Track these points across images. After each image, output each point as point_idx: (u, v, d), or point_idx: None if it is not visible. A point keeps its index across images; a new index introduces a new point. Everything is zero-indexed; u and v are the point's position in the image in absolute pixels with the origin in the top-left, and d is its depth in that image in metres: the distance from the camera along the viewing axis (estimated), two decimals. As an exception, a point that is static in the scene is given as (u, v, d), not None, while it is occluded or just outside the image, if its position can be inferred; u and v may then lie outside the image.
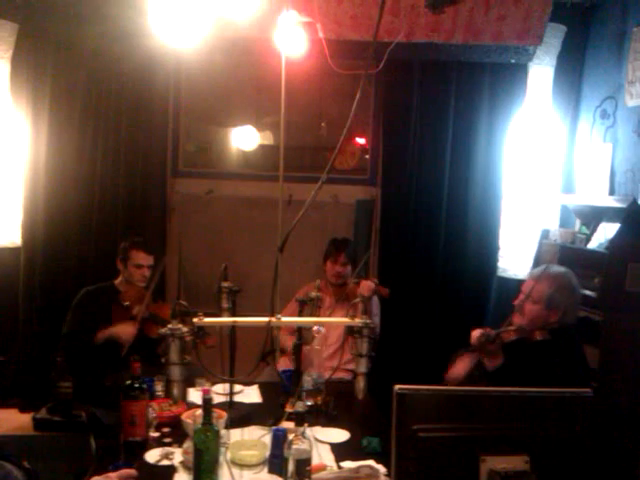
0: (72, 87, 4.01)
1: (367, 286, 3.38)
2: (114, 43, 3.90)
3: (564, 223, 4.06)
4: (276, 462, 2.02)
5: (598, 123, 3.82)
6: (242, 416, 2.51)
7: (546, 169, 4.06)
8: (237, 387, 2.77)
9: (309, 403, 2.58)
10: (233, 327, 2.54)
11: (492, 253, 4.18)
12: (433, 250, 4.18)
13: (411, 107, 4.12)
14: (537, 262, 3.78)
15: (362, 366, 2.42)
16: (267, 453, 2.10)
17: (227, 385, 2.63)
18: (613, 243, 3.05)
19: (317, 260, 3.79)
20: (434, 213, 4.17)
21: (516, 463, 1.43)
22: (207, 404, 1.90)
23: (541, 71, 4.04)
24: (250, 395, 2.88)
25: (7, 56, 3.85)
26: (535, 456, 1.44)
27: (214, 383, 2.80)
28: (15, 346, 4.03)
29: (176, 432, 2.31)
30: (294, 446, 1.88)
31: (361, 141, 4.67)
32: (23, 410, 3.67)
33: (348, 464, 2.10)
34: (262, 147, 4.75)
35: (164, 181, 4.26)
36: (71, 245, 4.07)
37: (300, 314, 2.88)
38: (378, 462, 2.09)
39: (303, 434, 1.91)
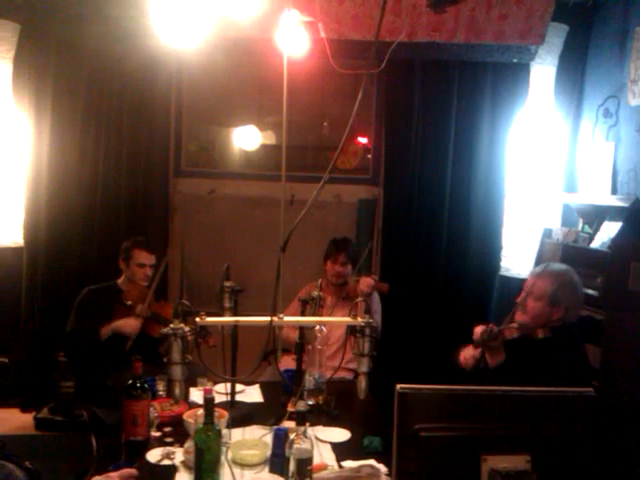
0: (74, 87, 4.02)
1: (366, 282, 3.39)
2: (116, 43, 3.90)
3: (566, 222, 4.05)
4: (277, 462, 2.02)
5: (600, 122, 3.82)
6: (243, 415, 2.51)
7: (548, 168, 4.05)
8: (238, 386, 2.77)
9: (310, 402, 2.58)
10: (235, 327, 2.53)
11: (494, 252, 4.18)
12: (435, 249, 4.18)
13: (413, 107, 4.12)
14: (539, 261, 3.77)
15: (364, 365, 2.41)
16: (268, 453, 2.10)
17: (229, 384, 2.63)
18: (615, 242, 3.04)
19: (319, 260, 3.79)
20: (436, 212, 4.17)
21: (517, 462, 1.43)
22: (208, 403, 1.90)
23: (543, 70, 4.03)
24: (251, 394, 2.88)
25: (9, 56, 3.86)
26: (536, 456, 1.44)
27: (216, 382, 2.79)
28: (17, 346, 4.04)
29: (177, 432, 2.32)
30: (295, 445, 1.87)
31: (363, 141, 4.67)
32: (25, 410, 3.69)
33: (349, 464, 2.10)
34: (264, 147, 4.76)
35: (166, 181, 4.26)
36: (73, 245, 4.08)
37: (302, 314, 2.88)
38: (379, 462, 2.09)
39: (304, 433, 1.90)
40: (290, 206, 4.00)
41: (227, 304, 2.59)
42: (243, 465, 2.11)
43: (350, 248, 3.68)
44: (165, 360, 2.31)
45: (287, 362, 3.37)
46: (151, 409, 2.30)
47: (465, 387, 1.49)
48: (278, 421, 2.40)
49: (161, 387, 2.69)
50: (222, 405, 2.51)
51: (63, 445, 2.95)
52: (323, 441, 2.33)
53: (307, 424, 1.95)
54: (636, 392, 2.86)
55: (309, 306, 2.86)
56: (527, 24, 3.87)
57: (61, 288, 4.02)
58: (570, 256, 3.31)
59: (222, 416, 2.27)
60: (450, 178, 4.15)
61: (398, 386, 1.43)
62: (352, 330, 2.45)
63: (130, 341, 3.30)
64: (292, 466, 1.88)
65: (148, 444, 2.20)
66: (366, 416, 2.67)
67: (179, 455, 2.13)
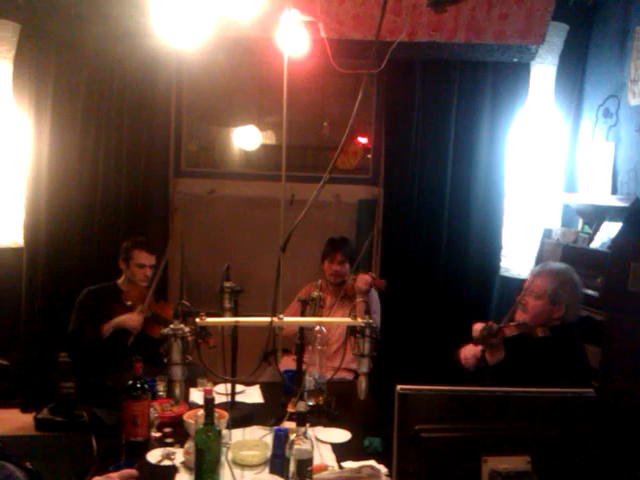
0: (74, 87, 4.02)
1: (364, 280, 3.39)
2: (116, 43, 3.90)
3: (566, 222, 4.05)
4: (277, 462, 2.02)
5: (601, 122, 3.81)
6: (244, 416, 2.51)
7: (548, 168, 4.05)
8: (239, 387, 2.77)
9: (311, 403, 2.58)
10: (235, 327, 2.53)
11: (494, 252, 4.18)
12: (435, 250, 4.18)
13: (413, 106, 4.12)
14: (539, 261, 3.77)
15: (364, 366, 2.41)
16: (268, 453, 2.10)
17: (229, 385, 2.63)
18: (615, 242, 3.04)
19: (319, 260, 3.79)
20: (436, 212, 4.16)
21: (518, 463, 1.43)
22: (209, 404, 1.90)
23: (543, 70, 4.03)
24: (252, 395, 2.88)
25: (10, 56, 3.86)
26: (537, 456, 1.44)
27: (216, 383, 2.80)
28: (17, 346, 4.04)
29: (178, 432, 2.32)
30: (295, 446, 1.87)
31: (363, 140, 4.67)
32: (25, 410, 3.68)
33: (349, 464, 2.10)
34: (264, 147, 4.76)
35: (166, 181, 4.26)
36: (73, 245, 4.08)
37: (302, 314, 2.88)
38: (379, 462, 2.09)
39: (305, 434, 1.90)
40: (290, 206, 4.00)
41: (227, 304, 2.59)
42: (243, 466, 2.11)
43: (347, 247, 3.67)
44: (165, 361, 2.31)
45: (287, 363, 3.37)
46: (151, 410, 2.30)
47: (465, 388, 1.49)
48: (278, 422, 2.40)
49: (161, 388, 2.69)
50: (222, 406, 2.51)
51: (63, 446, 2.95)
52: (323, 442, 2.33)
53: (307, 425, 1.95)
54: (636, 392, 2.86)
55: (309, 306, 2.86)
56: (527, 23, 3.87)
57: (61, 288, 4.02)
58: (570, 256, 3.31)
59: (222, 417, 2.27)
60: (450, 178, 4.15)
61: (398, 387, 1.43)
62: (352, 331, 2.44)
63: (132, 336, 3.31)
64: (292, 467, 1.88)
65: (148, 445, 2.20)
66: (366, 417, 2.67)
67: (179, 456, 2.13)
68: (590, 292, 3.01)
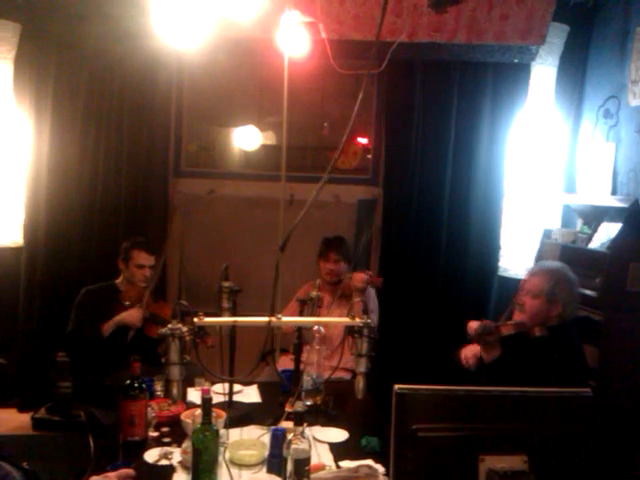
0: (74, 87, 4.02)
1: (359, 278, 3.38)
2: (116, 43, 3.90)
3: (566, 223, 4.05)
4: (275, 462, 2.02)
5: (601, 123, 3.81)
6: (241, 416, 2.51)
7: (548, 169, 4.05)
8: (236, 387, 2.77)
9: (308, 403, 2.58)
10: (233, 327, 2.53)
11: (493, 253, 4.17)
12: (435, 250, 4.18)
13: (413, 107, 4.12)
14: (538, 261, 3.77)
15: (362, 366, 2.41)
16: (266, 453, 2.10)
17: (226, 385, 2.63)
18: (615, 243, 3.04)
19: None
20: (436, 213, 4.16)
21: (515, 463, 1.42)
22: (206, 404, 1.90)
23: (544, 71, 4.03)
24: (249, 395, 2.88)
25: (10, 56, 3.86)
26: (534, 456, 1.43)
27: (213, 383, 2.80)
28: (15, 346, 4.03)
29: (175, 432, 2.32)
30: (293, 446, 1.87)
31: (363, 141, 4.67)
32: (22, 410, 3.67)
33: (347, 464, 2.10)
34: (264, 147, 4.76)
35: (166, 181, 4.26)
36: (73, 245, 4.08)
37: (301, 314, 2.88)
38: (377, 462, 2.09)
39: (302, 434, 1.90)
40: (289, 206, 4.00)
41: (225, 304, 2.59)
42: (241, 465, 2.11)
43: (342, 246, 3.66)
44: (163, 360, 2.31)
45: (285, 362, 3.37)
46: (149, 409, 2.30)
47: (463, 387, 1.48)
48: (276, 421, 2.39)
49: (159, 387, 2.69)
50: (220, 405, 2.51)
51: (61, 445, 2.95)
52: (321, 441, 2.33)
53: (305, 424, 1.95)
54: (634, 392, 2.86)
55: (307, 306, 2.86)
56: (528, 24, 3.87)
57: (60, 288, 4.02)
58: (569, 257, 3.31)
59: (220, 416, 2.26)
60: (450, 179, 4.15)
61: (396, 386, 1.43)
62: (350, 330, 2.44)
63: (132, 331, 3.31)
64: (290, 466, 1.88)
65: (146, 444, 2.20)
66: (364, 416, 2.67)
67: (177, 455, 2.13)
68: (589, 292, 3.01)
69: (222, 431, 2.22)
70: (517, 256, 4.11)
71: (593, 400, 1.51)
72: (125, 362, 2.35)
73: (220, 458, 1.98)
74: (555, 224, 4.03)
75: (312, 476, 1.91)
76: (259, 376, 3.31)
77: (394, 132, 4.18)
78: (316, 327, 2.74)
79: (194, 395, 2.72)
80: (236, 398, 2.70)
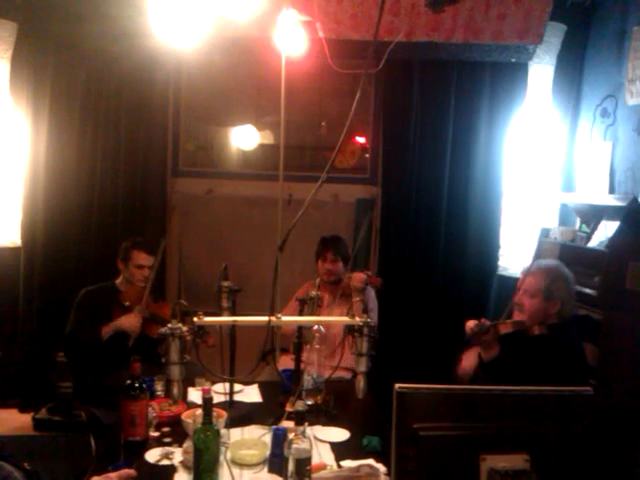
0: (72, 87, 4.01)
1: (358, 278, 3.39)
2: (114, 43, 3.89)
3: (564, 222, 4.06)
4: (276, 461, 2.02)
5: (598, 122, 3.82)
6: (242, 415, 2.51)
7: (546, 168, 4.06)
8: (237, 386, 2.76)
9: (309, 402, 2.58)
10: (233, 326, 2.53)
11: (492, 252, 4.18)
12: (433, 249, 4.19)
13: (411, 106, 4.12)
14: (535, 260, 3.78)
15: (362, 365, 2.41)
16: (267, 452, 2.10)
17: (227, 384, 2.63)
18: (613, 242, 3.04)
19: (317, 259, 3.79)
20: (434, 212, 4.17)
21: (516, 462, 1.43)
22: (207, 403, 1.90)
23: (541, 70, 4.04)
24: (250, 394, 2.87)
25: (7, 56, 3.85)
26: (535, 455, 1.44)
27: (214, 382, 2.80)
28: (15, 346, 4.03)
29: (176, 432, 2.31)
30: (294, 445, 1.87)
31: (361, 140, 4.66)
32: (23, 410, 3.68)
33: (348, 463, 2.10)
34: (262, 146, 4.75)
35: (164, 181, 4.26)
36: (71, 245, 4.07)
37: (300, 313, 2.88)
38: (378, 461, 2.09)
39: (303, 433, 1.90)
40: (288, 206, 4.00)
41: (225, 304, 2.59)
42: (242, 465, 2.10)
43: (340, 245, 3.66)
44: (163, 360, 2.31)
45: (285, 362, 3.37)
46: (149, 409, 2.30)
47: (464, 387, 1.49)
48: (277, 421, 2.40)
49: (159, 387, 2.69)
50: (221, 405, 2.51)
51: (62, 446, 2.95)
52: (322, 441, 2.33)
53: (306, 424, 1.95)
54: (634, 391, 2.87)
55: (307, 305, 2.86)
56: (525, 24, 3.87)
57: (59, 288, 4.02)
58: (568, 255, 3.32)
59: (221, 416, 2.26)
60: (448, 178, 4.16)
61: (397, 386, 1.43)
62: (350, 330, 2.44)
63: (132, 339, 3.31)
64: (291, 466, 1.88)
65: (147, 444, 2.20)
66: (365, 416, 2.67)
67: (178, 455, 2.13)
68: (588, 291, 3.01)
69: (223, 431, 2.22)
70: (516, 255, 4.12)
71: (594, 399, 1.51)
72: (125, 362, 2.35)
73: (221, 458, 1.99)
74: (553, 223, 4.04)
75: (313, 476, 1.91)
76: (259, 376, 3.31)
77: (392, 131, 4.19)
78: (316, 326, 2.74)
79: (195, 395, 2.72)
80: (237, 398, 2.70)
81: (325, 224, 4.30)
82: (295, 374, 2.65)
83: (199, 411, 2.00)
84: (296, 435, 1.89)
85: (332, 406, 2.62)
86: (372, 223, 4.35)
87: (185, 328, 2.25)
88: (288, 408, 2.44)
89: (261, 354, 2.42)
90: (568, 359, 2.46)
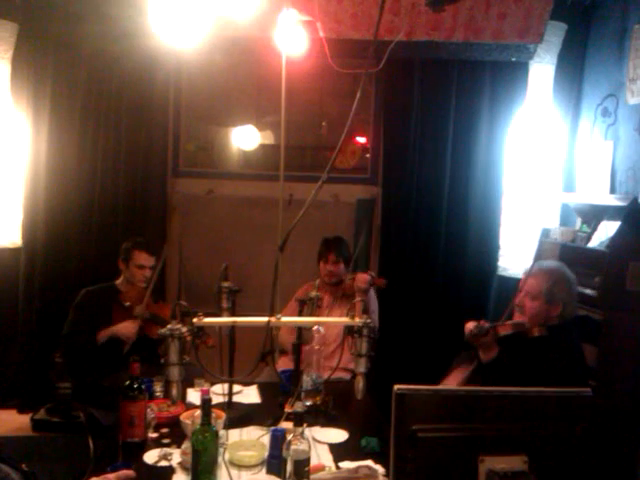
0: (72, 87, 4.01)
1: (362, 278, 3.38)
2: (114, 43, 3.89)
3: (565, 222, 4.05)
4: (274, 463, 2.01)
5: (599, 121, 3.81)
6: (241, 416, 2.50)
7: (547, 167, 4.05)
8: (236, 387, 2.77)
9: (308, 403, 2.58)
10: (233, 327, 2.53)
11: (492, 252, 4.17)
12: (433, 249, 4.18)
13: (412, 106, 4.12)
14: (537, 261, 3.77)
15: (361, 366, 2.40)
16: (266, 454, 2.10)
17: (226, 385, 2.63)
18: (614, 242, 3.04)
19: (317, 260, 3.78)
20: (435, 212, 4.16)
21: (515, 463, 1.42)
22: (206, 404, 1.90)
23: (542, 69, 4.03)
24: (249, 395, 2.87)
25: (7, 56, 3.85)
26: (534, 456, 1.43)
27: (213, 383, 2.80)
28: (14, 347, 4.03)
29: (175, 433, 2.31)
30: (293, 446, 1.87)
31: (362, 140, 4.66)
32: (22, 411, 3.68)
33: (347, 464, 2.10)
34: (262, 147, 4.75)
35: (164, 181, 4.26)
36: (71, 245, 4.07)
37: (300, 314, 2.87)
38: (377, 462, 2.08)
39: (302, 434, 1.90)
40: (288, 206, 4.00)
41: (225, 304, 2.59)
42: (240, 466, 2.10)
43: (342, 246, 3.66)
44: (163, 361, 2.31)
45: (285, 363, 3.37)
46: (148, 410, 2.30)
47: (463, 388, 1.48)
48: (275, 422, 2.39)
49: (158, 388, 2.68)
50: (219, 406, 2.51)
51: (60, 446, 2.95)
52: (320, 442, 2.33)
53: (304, 425, 1.95)
54: (634, 392, 2.86)
55: (306, 306, 2.86)
56: (526, 23, 3.87)
57: (59, 288, 4.02)
58: (568, 256, 3.31)
59: (219, 417, 2.26)
60: (448, 177, 4.15)
61: (396, 387, 1.42)
62: (350, 330, 2.44)
63: (127, 345, 3.29)
64: (289, 467, 1.88)
65: (145, 445, 2.20)
66: (364, 417, 2.67)
67: (176, 456, 2.13)
68: (588, 291, 3.01)
69: (222, 432, 2.22)
70: (516, 255, 4.11)
71: (593, 400, 1.51)
72: (123, 364, 2.35)
73: (220, 459, 1.98)
74: (553, 223, 4.03)
75: (312, 477, 1.91)
76: (259, 376, 3.31)
77: (392, 131, 4.18)
78: (316, 327, 2.73)
79: (193, 396, 2.72)
80: (236, 399, 2.70)
81: (325, 224, 4.29)
82: (294, 375, 2.64)
83: (198, 412, 2.00)
84: (295, 436, 1.89)
85: (331, 407, 2.62)
86: (372, 225, 4.34)
87: (185, 329, 2.25)
88: (287, 409, 2.43)
89: (260, 355, 2.41)
90: (567, 360, 2.45)
